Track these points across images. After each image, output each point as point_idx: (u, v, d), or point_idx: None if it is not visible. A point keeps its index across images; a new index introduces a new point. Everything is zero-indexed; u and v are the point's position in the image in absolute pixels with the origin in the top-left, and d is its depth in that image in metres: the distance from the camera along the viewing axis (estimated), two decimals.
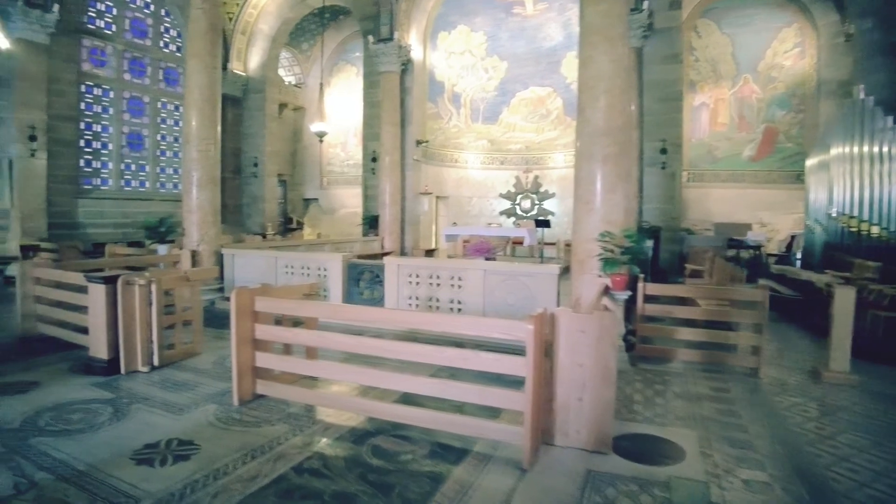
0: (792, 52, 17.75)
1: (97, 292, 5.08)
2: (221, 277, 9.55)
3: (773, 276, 11.50)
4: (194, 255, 9.07)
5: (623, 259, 6.33)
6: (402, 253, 16.80)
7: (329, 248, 13.41)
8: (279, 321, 4.76)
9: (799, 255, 13.11)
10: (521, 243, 17.23)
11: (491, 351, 3.90)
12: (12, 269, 11.67)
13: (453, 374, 4.61)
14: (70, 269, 6.82)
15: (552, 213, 18.95)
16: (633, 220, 13.90)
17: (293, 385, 4.55)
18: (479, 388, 3.77)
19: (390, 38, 15.89)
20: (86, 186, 15.06)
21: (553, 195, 19.02)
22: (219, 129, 9.61)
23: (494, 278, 7.47)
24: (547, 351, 3.77)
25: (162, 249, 9.03)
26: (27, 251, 11.41)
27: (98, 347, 5.16)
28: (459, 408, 4.23)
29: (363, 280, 8.38)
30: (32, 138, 12.34)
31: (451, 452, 3.76)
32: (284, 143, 22.28)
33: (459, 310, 7.66)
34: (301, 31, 21.77)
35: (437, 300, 7.76)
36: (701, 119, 17.97)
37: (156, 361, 5.38)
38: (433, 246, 18.00)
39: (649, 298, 6.49)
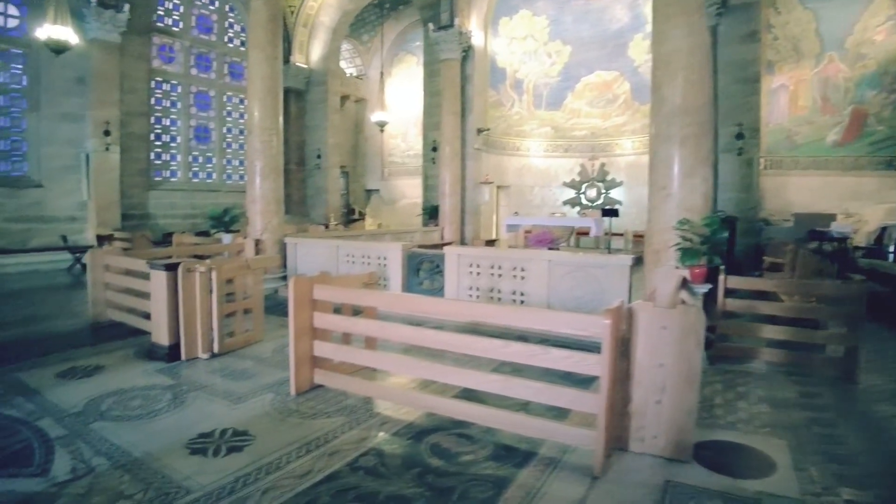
0: (884, 25, 16.18)
1: (159, 279, 5.09)
2: (284, 266, 9.62)
3: (860, 271, 10.48)
4: (258, 243, 9.15)
5: (702, 249, 5.85)
6: (462, 243, 16.56)
7: (389, 237, 13.35)
8: (338, 310, 4.60)
9: (892, 249, 11.95)
10: (586, 234, 16.64)
11: (558, 346, 3.58)
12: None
13: (516, 369, 4.32)
14: (137, 257, 6.97)
15: (619, 203, 18.17)
16: (710, 208, 13.09)
17: (351, 376, 4.39)
18: (548, 388, 3.45)
19: (450, 25, 15.60)
20: (156, 179, 15.65)
21: (620, 183, 18.24)
22: (280, 119, 9.64)
23: (560, 269, 7.10)
24: (623, 349, 3.41)
25: (226, 238, 9.16)
26: (102, 241, 11.92)
27: (160, 334, 5.19)
28: (523, 406, 3.95)
29: (423, 270, 8.19)
30: (107, 133, 12.88)
31: (515, 455, 3.47)
32: (346, 135, 22.48)
33: (522, 301, 7.34)
34: (362, 23, 21.83)
35: (499, 291, 7.46)
36: (779, 102, 16.69)
37: (216, 349, 5.36)
38: (493, 236, 17.67)
39: (730, 293, 5.94)
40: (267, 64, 9.29)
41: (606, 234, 14.72)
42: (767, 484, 3.15)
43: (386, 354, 4.38)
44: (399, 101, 21.99)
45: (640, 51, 17.77)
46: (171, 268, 5.08)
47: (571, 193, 18.88)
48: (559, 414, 3.84)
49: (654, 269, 6.65)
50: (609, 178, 18.39)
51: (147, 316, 5.77)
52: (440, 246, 15.78)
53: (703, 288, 5.85)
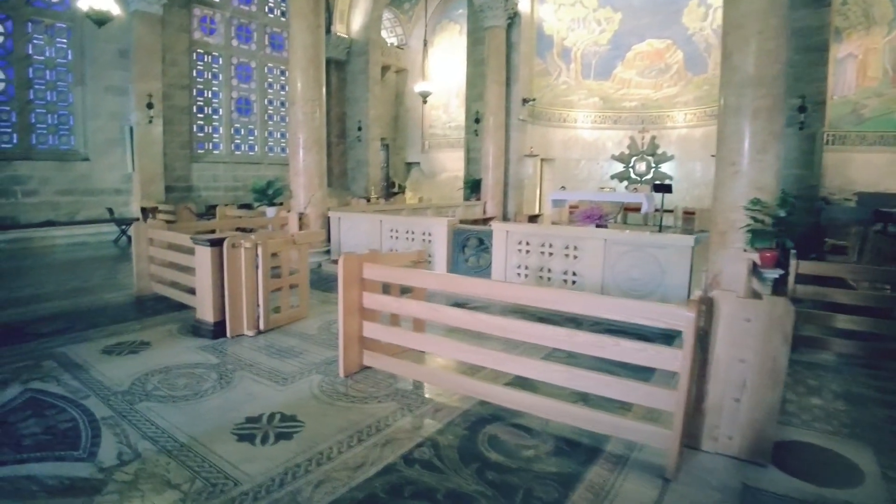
0: None
1: (203, 254, 4.94)
2: (328, 239, 9.47)
3: None
4: (301, 217, 9.01)
5: (774, 231, 5.40)
6: (505, 218, 16.19)
7: (431, 212, 13.07)
8: (386, 289, 4.35)
9: None
10: (635, 210, 16.02)
11: (626, 336, 3.25)
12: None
13: (569, 355, 4.01)
14: (181, 230, 6.88)
15: (670, 177, 17.41)
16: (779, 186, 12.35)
17: (400, 359, 4.16)
18: (619, 382, 3.14)
19: None
20: (199, 151, 15.70)
21: (671, 157, 17.45)
22: (323, 90, 9.39)
23: (617, 249, 6.69)
24: (701, 341, 3.06)
25: (270, 212, 9.04)
26: (146, 213, 12.01)
27: (205, 310, 5.06)
28: (581, 397, 3.66)
29: (469, 246, 7.90)
30: (150, 106, 12.88)
31: (579, 451, 3.20)
32: (387, 107, 22.15)
33: (574, 282, 6.98)
34: None
35: (549, 271, 7.11)
36: (846, 73, 15.59)
37: (262, 325, 5.21)
38: (537, 211, 17.21)
39: (801, 279, 5.45)
40: (309, 33, 9.01)
41: (657, 210, 14.06)
42: (856, 495, 2.83)
43: (438, 338, 4.12)
44: (441, 72, 21.47)
45: (694, 18, 16.77)
46: (216, 243, 4.92)
47: (620, 167, 18.19)
48: (620, 406, 3.55)
49: (719, 251, 6.23)
50: (660, 151, 17.62)
51: (191, 291, 5.67)
52: (483, 221, 15.45)
53: (774, 273, 5.42)
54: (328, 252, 9.35)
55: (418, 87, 15.19)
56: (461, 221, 14.40)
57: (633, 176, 17.98)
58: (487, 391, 3.64)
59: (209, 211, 13.75)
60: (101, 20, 7.74)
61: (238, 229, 9.14)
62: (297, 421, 3.49)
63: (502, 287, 3.65)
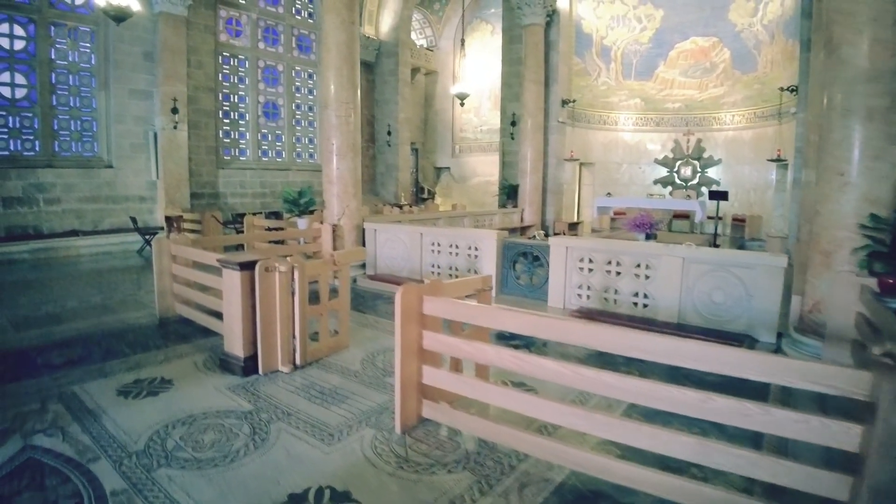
0: None
1: (232, 279, 4.27)
2: None
3: None
4: (335, 229, 8.35)
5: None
6: (544, 226, 15.37)
7: (468, 220, 12.35)
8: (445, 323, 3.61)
9: None
10: (683, 217, 15.11)
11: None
12: None
13: (645, 412, 3.22)
14: (207, 244, 6.27)
15: (717, 182, 16.45)
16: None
17: (468, 413, 3.41)
18: (790, 467, 2.35)
19: None
20: (225, 157, 15.20)
21: (719, 161, 16.47)
22: (358, 92, 8.72)
23: (695, 268, 5.88)
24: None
25: (302, 223, 8.39)
26: (170, 221, 11.49)
27: (233, 342, 4.38)
28: (703, 473, 2.87)
29: (520, 262, 7.14)
30: (174, 111, 12.39)
31: None
32: (416, 110, 21.52)
33: (645, 305, 6.18)
34: None
35: (616, 292, 6.32)
36: None
37: (298, 360, 4.53)
38: (575, 218, 16.37)
39: None
40: (343, 30, 8.36)
41: (710, 218, 13.12)
42: None
43: (526, 396, 3.32)
44: (473, 73, 20.77)
45: (743, 14, 15.78)
46: (247, 266, 4.24)
47: (663, 172, 17.25)
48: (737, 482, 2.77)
49: (821, 273, 5.38)
50: (706, 155, 16.64)
51: (218, 315, 5.02)
52: (521, 230, 14.68)
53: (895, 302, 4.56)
54: (363, 266, 8.67)
55: (454, 88, 14.47)
56: (507, 230, 13.70)
57: (677, 181, 17.03)
58: (586, 461, 2.87)
59: (236, 219, 13.21)
60: (120, 17, 7.19)
61: (269, 242, 8.54)
62: (352, 501, 2.77)
63: (617, 334, 2.84)
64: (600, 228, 17.01)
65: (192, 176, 13.34)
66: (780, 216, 14.26)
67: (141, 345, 5.19)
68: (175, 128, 12.48)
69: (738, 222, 15.24)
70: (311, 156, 17.71)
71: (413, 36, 21.41)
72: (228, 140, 15.38)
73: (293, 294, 4.43)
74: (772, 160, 13.71)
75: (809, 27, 11.78)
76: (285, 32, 16.49)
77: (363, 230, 8.72)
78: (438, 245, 7.73)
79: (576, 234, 14.98)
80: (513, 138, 15.50)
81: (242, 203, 15.03)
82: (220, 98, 14.94)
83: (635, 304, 6.24)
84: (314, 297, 4.85)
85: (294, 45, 16.81)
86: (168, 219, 11.73)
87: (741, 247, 13.59)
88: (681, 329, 5.80)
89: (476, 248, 7.33)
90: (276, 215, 13.63)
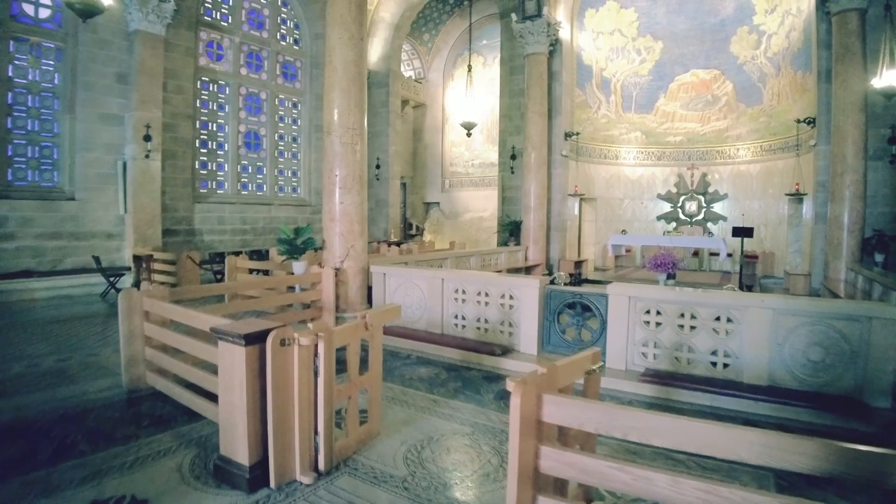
0: None
1: (234, 357, 3.07)
2: (369, 300, 7.63)
3: None
4: (337, 273, 7.17)
5: None
6: (548, 265, 14.39)
7: (475, 260, 11.27)
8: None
9: None
10: (694, 254, 14.31)
11: None
12: (126, 282, 10.53)
13: None
14: (187, 295, 5.07)
15: (723, 218, 15.78)
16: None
17: None
18: None
19: (538, 15, 13.58)
20: (202, 190, 13.92)
21: (725, 196, 15.82)
22: (365, 117, 7.69)
23: (785, 321, 4.88)
24: None
25: (298, 267, 7.19)
26: (141, 261, 10.15)
27: (234, 443, 3.15)
28: None
29: (566, 314, 6.05)
30: (147, 138, 11.11)
31: None
32: (405, 143, 20.62)
33: (726, 365, 5.13)
34: (423, 21, 20.02)
35: (690, 350, 5.26)
36: None
37: (321, 464, 3.31)
38: (577, 256, 15.44)
39: None
40: (351, 46, 7.36)
41: (729, 255, 12.31)
42: None
43: None
44: (462, 106, 20.05)
45: (745, 46, 15.40)
46: (255, 339, 3.06)
47: (667, 207, 16.53)
48: None
49: None
50: (711, 189, 16.00)
51: (208, 395, 3.81)
52: (526, 269, 13.66)
53: None
54: None
55: (461, 118, 13.51)
56: (508, 271, 12.66)
57: (682, 216, 16.31)
58: None
59: (214, 258, 11.91)
60: (87, 11, 6.01)
61: (258, 291, 7.30)
62: None
63: None
64: (605, 267, 16.14)
65: (165, 210, 12.02)
66: (797, 252, 13.56)
67: (104, 436, 3.88)
68: (148, 157, 11.20)
69: (750, 259, 14.49)
70: (294, 189, 16.55)
71: (401, 67, 20.67)
72: (206, 172, 14.14)
73: (316, 374, 3.25)
74: (790, 194, 13.05)
75: (828, 57, 11.30)
76: (270, 58, 15.49)
77: (369, 274, 7.56)
78: (463, 293, 6.58)
79: (578, 273, 14.03)
80: (513, 172, 14.63)
81: (221, 240, 13.72)
82: (198, 126, 13.75)
83: (713, 363, 5.18)
84: (342, 375, 3.68)
85: (279, 71, 15.80)
86: (137, 258, 10.37)
87: (750, 287, 12.79)
88: (772, 393, 4.78)
89: (511, 297, 6.21)
90: (259, 254, 12.37)
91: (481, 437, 3.92)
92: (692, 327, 5.24)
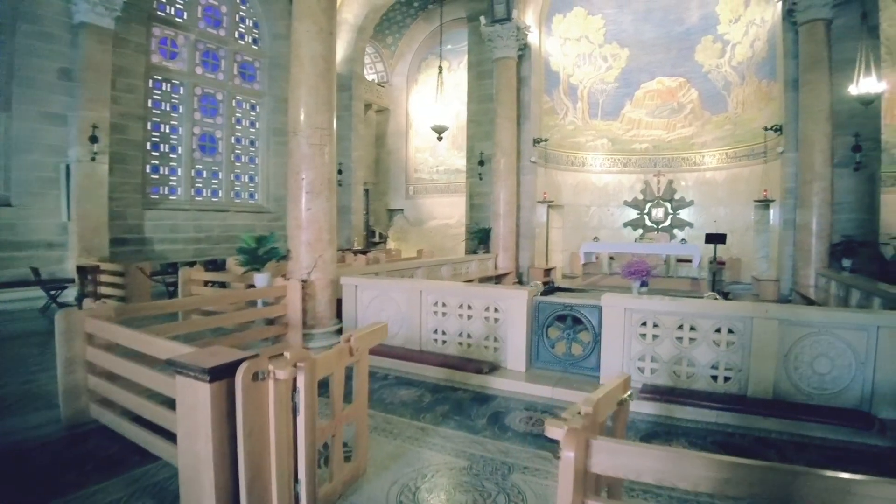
0: None
1: (196, 395, 2.54)
2: (338, 316, 7.09)
3: None
4: (304, 286, 6.61)
5: None
6: (518, 273, 14.10)
7: (447, 269, 10.86)
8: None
9: None
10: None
11: None
12: (69, 296, 9.65)
13: None
14: (140, 312, 4.49)
15: (689, 224, 15.85)
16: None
17: None
18: None
19: (507, 19, 13.34)
20: (153, 196, 13.07)
21: (691, 203, 15.90)
22: (334, 116, 7.19)
23: (791, 332, 4.65)
24: None
25: (261, 280, 6.59)
26: (86, 273, 9.32)
27: (197, 500, 2.61)
28: None
29: (555, 327, 5.69)
30: (94, 139, 10.26)
31: None
32: (367, 148, 20.07)
33: (728, 378, 4.86)
34: (387, 23, 19.58)
35: (690, 364, 4.96)
36: None
37: None
38: (546, 264, 15.23)
39: None
40: (320, 40, 6.85)
41: (713, 262, 12.26)
42: None
43: None
44: (427, 111, 19.70)
45: (710, 55, 15.57)
46: (222, 373, 2.54)
47: (633, 214, 16.51)
48: None
49: None
50: (677, 196, 16.06)
51: (164, 433, 3.26)
52: (496, 278, 13.32)
53: None
54: (339, 332, 6.95)
55: (432, 122, 13.07)
56: (482, 280, 12.28)
57: (648, 223, 16.31)
58: None
59: (167, 269, 11.09)
60: None
61: (217, 309, 6.67)
62: None
63: None
64: (573, 274, 15.97)
65: (113, 218, 11.14)
66: (765, 258, 13.68)
67: (39, 483, 3.26)
68: (94, 160, 10.34)
69: (717, 265, 14.55)
70: (251, 196, 15.80)
71: (364, 71, 20.17)
72: (158, 176, 13.29)
73: (295, 412, 2.75)
74: (758, 201, 13.15)
75: (795, 66, 11.41)
76: (227, 58, 14.75)
77: (339, 286, 7.03)
78: (444, 305, 6.14)
79: (551, 281, 13.79)
80: (481, 179, 14.30)
81: (174, 250, 12.88)
82: (150, 128, 12.90)
83: (714, 377, 4.91)
84: (329, 415, 3.19)
85: (236, 72, 15.07)
86: (82, 270, 9.52)
87: (727, 294, 12.79)
88: (778, 407, 4.54)
89: (497, 310, 5.81)
90: (215, 264, 11.62)
91: (481, 471, 3.48)
92: (692, 339, 4.95)
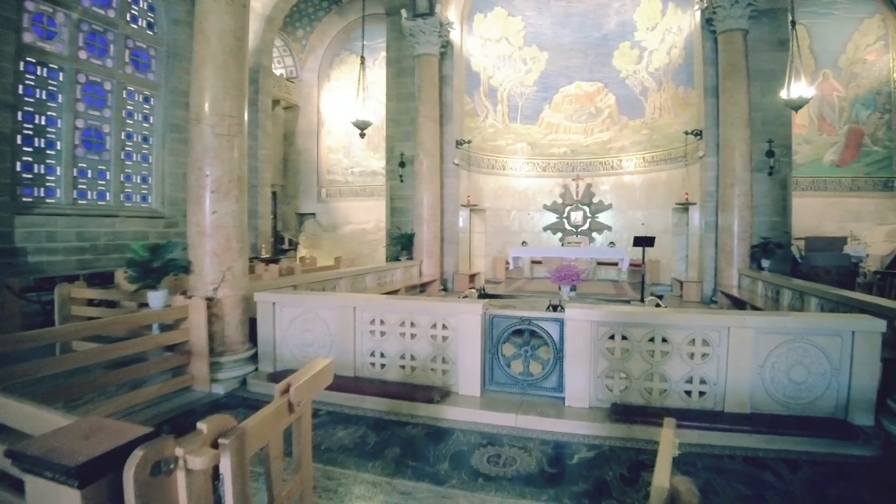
0: (875, 46, 15.54)
1: None
2: (252, 339, 6.06)
3: None
4: (210, 305, 5.54)
5: None
6: (443, 280, 13.47)
7: (371, 278, 10.01)
8: None
9: None
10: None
11: None
12: None
13: None
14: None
15: (608, 227, 15.97)
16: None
17: None
18: None
19: (430, 14, 12.69)
20: (25, 199, 11.15)
21: (609, 206, 16.02)
22: (246, 103, 6.20)
23: (770, 341, 4.32)
24: None
25: (156, 299, 5.47)
26: None
27: None
28: None
29: (511, 343, 5.05)
30: None
31: None
32: (275, 148, 18.68)
33: (702, 393, 4.46)
34: (297, 15, 18.34)
35: (664, 380, 4.51)
36: None
37: None
38: (469, 269, 14.74)
39: None
40: (231, 14, 5.85)
41: (601, 263, 12.23)
42: None
43: None
44: (341, 110, 18.67)
45: (627, 61, 15.80)
46: (97, 470, 1.62)
47: (553, 218, 16.40)
48: None
49: None
50: (596, 200, 16.14)
51: None
52: (421, 286, 12.59)
53: None
54: (254, 358, 5.94)
55: (353, 117, 12.10)
56: (408, 289, 11.50)
57: (568, 227, 16.27)
58: None
59: (41, 285, 9.40)
60: None
61: (107, 338, 5.45)
62: None
63: None
64: (496, 279, 15.59)
65: None
66: (683, 260, 13.95)
67: None
68: None
69: (635, 267, 14.70)
70: (144, 198, 14.05)
71: (272, 64, 18.78)
72: (31, 176, 11.35)
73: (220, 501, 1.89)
74: (680, 204, 13.36)
75: (714, 73, 11.65)
76: (117, 42, 12.97)
77: (254, 303, 6.01)
78: (382, 323, 5.31)
79: (482, 288, 13.30)
80: (402, 181, 13.55)
81: (52, 262, 11.04)
82: (21, 118, 10.99)
83: (688, 392, 4.48)
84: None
85: (128, 59, 13.30)
86: None
87: (661, 297, 12.88)
88: (757, 422, 4.21)
89: (445, 327, 5.08)
90: (102, 278, 10.05)
91: None
92: (664, 352, 4.50)
